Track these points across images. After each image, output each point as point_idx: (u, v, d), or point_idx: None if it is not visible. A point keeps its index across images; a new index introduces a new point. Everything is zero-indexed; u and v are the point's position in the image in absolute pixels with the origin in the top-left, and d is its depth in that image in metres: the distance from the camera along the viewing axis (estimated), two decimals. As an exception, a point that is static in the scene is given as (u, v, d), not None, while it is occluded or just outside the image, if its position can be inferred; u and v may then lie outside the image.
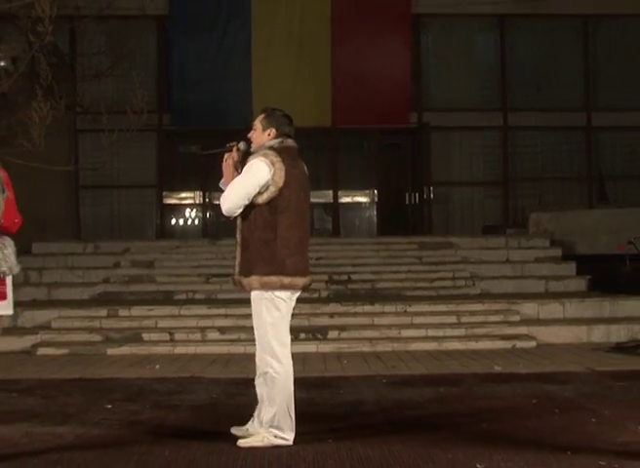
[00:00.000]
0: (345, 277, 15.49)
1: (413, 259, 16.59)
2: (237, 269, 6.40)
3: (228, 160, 6.53)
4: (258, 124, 6.63)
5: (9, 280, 6.06)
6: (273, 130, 6.57)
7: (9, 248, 6.03)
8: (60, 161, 15.59)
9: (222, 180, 6.53)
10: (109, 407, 8.04)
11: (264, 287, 6.31)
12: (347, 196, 22.30)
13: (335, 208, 21.79)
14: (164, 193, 21.35)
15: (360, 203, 22.82)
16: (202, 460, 5.87)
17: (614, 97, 21.43)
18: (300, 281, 6.54)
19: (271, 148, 6.41)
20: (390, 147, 22.71)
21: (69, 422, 7.31)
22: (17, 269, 6.09)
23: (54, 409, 7.93)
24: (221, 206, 6.30)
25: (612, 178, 21.88)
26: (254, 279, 6.29)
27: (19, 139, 12.25)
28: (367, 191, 22.57)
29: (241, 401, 7.85)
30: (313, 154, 22.74)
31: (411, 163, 22.14)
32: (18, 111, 13.15)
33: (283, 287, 6.40)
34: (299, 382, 8.89)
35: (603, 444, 6.16)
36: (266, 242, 6.27)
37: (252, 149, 6.54)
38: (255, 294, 6.36)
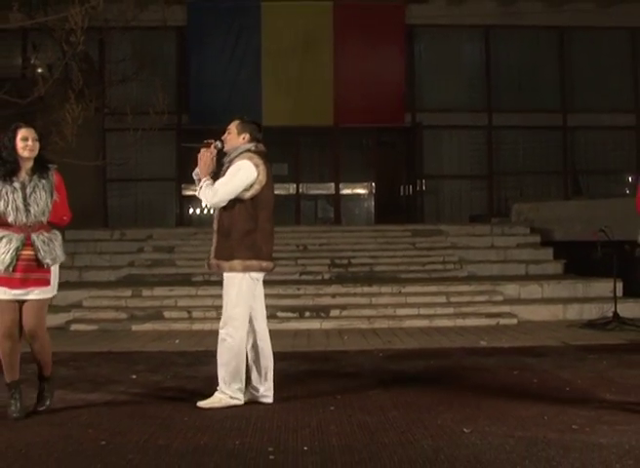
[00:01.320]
0: (346, 261, 15.50)
1: (407, 245, 16.59)
2: (213, 254, 6.66)
3: (206, 154, 6.72)
4: (233, 128, 6.88)
5: (54, 268, 6.25)
6: (247, 135, 6.84)
7: (55, 241, 6.25)
8: (90, 157, 15.58)
9: (196, 171, 6.74)
10: (134, 377, 8.07)
11: (246, 269, 6.59)
12: (348, 188, 22.27)
13: (336, 199, 21.78)
14: (182, 185, 21.31)
15: (359, 194, 22.78)
16: (217, 425, 5.90)
17: (587, 100, 21.41)
18: (271, 264, 6.79)
19: (250, 151, 6.69)
20: (387, 144, 22.65)
21: (99, 390, 7.34)
22: (61, 258, 6.32)
23: (85, 379, 7.97)
24: (209, 198, 6.56)
25: (585, 173, 21.90)
26: (237, 263, 6.58)
27: (53, 138, 12.26)
28: (365, 184, 22.54)
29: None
30: (317, 150, 22.76)
31: (405, 158, 22.09)
32: (52, 113, 13.16)
33: (261, 269, 6.68)
34: (304, 356, 8.96)
35: (576, 410, 6.19)
36: (248, 232, 6.56)
37: (225, 150, 6.81)
38: (232, 275, 6.62)
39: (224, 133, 6.89)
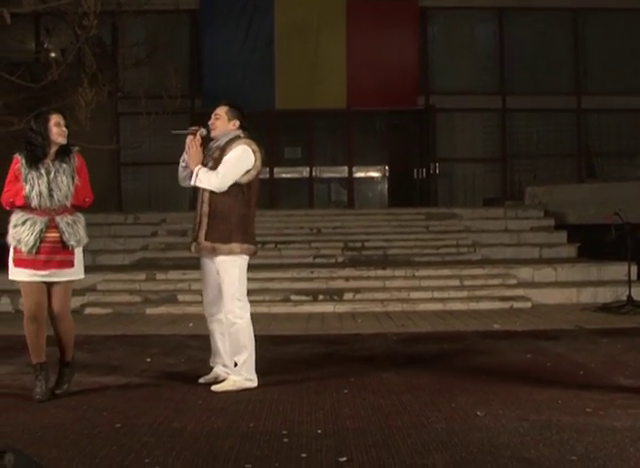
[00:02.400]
0: (359, 244, 15.49)
1: (420, 228, 16.57)
2: (204, 237, 6.70)
3: (194, 141, 6.81)
4: (223, 114, 6.88)
5: (78, 250, 6.37)
6: (237, 121, 6.87)
7: (79, 223, 6.38)
8: (104, 141, 15.60)
9: (184, 157, 6.90)
10: (149, 360, 8.10)
11: (244, 252, 6.71)
12: (361, 171, 22.22)
13: (349, 182, 21.74)
14: (196, 169, 21.32)
15: (373, 177, 22.73)
16: (231, 408, 5.92)
17: (601, 82, 21.26)
18: (256, 249, 6.98)
19: (244, 137, 6.78)
20: (400, 127, 22.58)
21: (113, 373, 7.38)
22: (85, 241, 6.43)
23: (100, 362, 8.01)
24: (215, 183, 6.65)
25: (599, 156, 21.79)
26: (235, 245, 6.68)
27: (67, 122, 12.25)
28: (379, 167, 22.48)
29: (265, 355, 7.88)
30: (330, 133, 22.73)
31: (418, 141, 22.04)
32: (66, 97, 13.16)
33: (254, 253, 6.86)
34: (318, 339, 8.97)
35: (590, 393, 6.19)
36: (244, 216, 6.71)
37: (213, 135, 6.88)
38: (231, 258, 6.67)
39: (211, 118, 6.93)
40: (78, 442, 5.07)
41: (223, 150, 6.69)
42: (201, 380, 6.83)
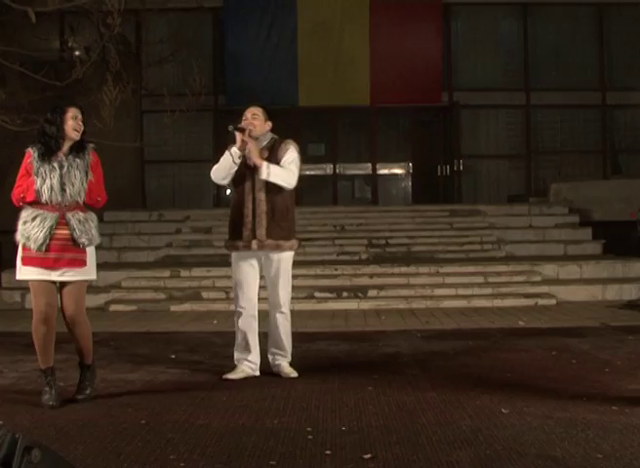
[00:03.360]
0: (383, 241, 15.48)
1: (444, 225, 16.54)
2: (267, 234, 6.83)
3: (250, 138, 6.83)
4: (260, 114, 7.00)
5: (90, 250, 6.11)
6: (270, 123, 7.05)
7: (90, 222, 6.09)
8: (128, 138, 15.70)
9: (237, 153, 6.80)
10: (173, 357, 8.13)
11: (297, 247, 7.11)
12: (385, 168, 22.18)
13: (373, 179, 21.72)
14: (220, 166, 21.37)
15: (396, 174, 22.69)
16: (255, 405, 5.93)
17: (626, 77, 21.12)
18: None
19: (285, 138, 7.05)
20: (424, 124, 22.55)
21: (138, 370, 7.41)
22: (97, 240, 6.18)
23: (124, 359, 8.04)
24: (292, 181, 6.88)
25: (624, 152, 21.65)
26: (294, 242, 7.03)
27: (91, 120, 12.32)
28: (403, 163, 22.43)
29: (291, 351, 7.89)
30: (354, 130, 22.71)
31: (442, 138, 21.97)
32: (90, 95, 13.22)
33: None
34: (342, 336, 8.97)
35: (615, 391, 6.15)
36: (293, 214, 7.09)
37: (254, 134, 6.88)
38: (288, 254, 7.00)
39: (245, 117, 6.97)
40: (103, 438, 5.09)
41: (273, 151, 6.87)
42: (230, 377, 6.88)
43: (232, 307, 11.76)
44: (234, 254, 7.02)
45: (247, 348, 7.02)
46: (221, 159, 6.90)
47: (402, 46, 20.22)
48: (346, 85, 20.21)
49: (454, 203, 19.36)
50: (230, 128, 6.88)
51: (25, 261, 5.95)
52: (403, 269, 13.39)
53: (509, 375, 6.87)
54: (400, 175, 22.67)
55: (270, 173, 6.75)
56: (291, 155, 6.88)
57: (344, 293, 12.41)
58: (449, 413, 5.57)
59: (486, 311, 11.36)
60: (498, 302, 11.96)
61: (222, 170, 6.91)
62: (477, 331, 9.67)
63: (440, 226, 16.46)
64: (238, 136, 6.82)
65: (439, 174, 21.98)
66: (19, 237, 5.97)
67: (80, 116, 6.10)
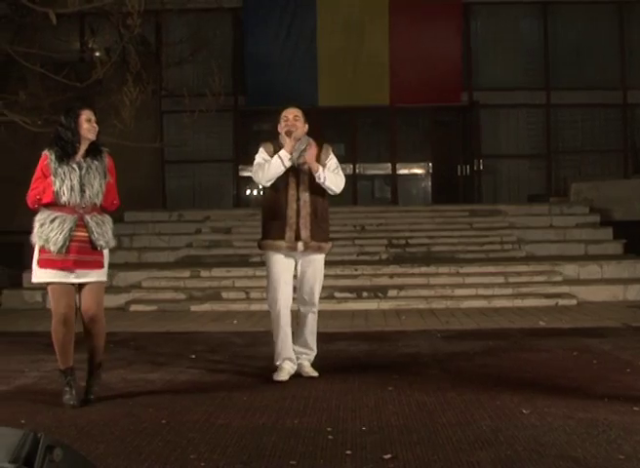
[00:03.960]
0: (403, 241, 15.46)
1: (464, 225, 16.51)
2: (311, 236, 6.83)
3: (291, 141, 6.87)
4: (301, 115, 7.06)
5: (106, 252, 6.16)
6: (307, 125, 7.11)
7: (107, 224, 6.14)
8: (148, 139, 15.72)
9: (291, 157, 6.78)
10: (193, 357, 8.15)
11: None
12: (405, 168, 22.15)
13: (393, 179, 21.69)
14: (240, 167, 21.37)
15: (416, 174, 22.66)
16: (276, 405, 5.93)
17: (647, 76, 21.04)
18: None
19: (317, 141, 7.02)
20: (443, 124, 22.50)
21: (158, 370, 7.43)
22: (112, 243, 6.20)
23: (145, 359, 8.07)
24: (341, 186, 7.01)
25: (645, 151, 21.57)
26: (331, 243, 7.09)
27: (111, 120, 12.39)
28: (422, 163, 22.41)
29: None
30: (373, 130, 22.70)
31: (462, 137, 21.92)
32: (110, 95, 13.30)
33: None
34: (362, 336, 8.96)
35: (637, 391, 6.12)
36: (329, 216, 7.15)
37: (297, 136, 6.90)
38: (323, 256, 7.02)
39: (284, 117, 6.98)
40: (124, 437, 5.11)
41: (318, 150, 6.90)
42: (281, 378, 6.81)
43: (252, 308, 11.87)
44: (272, 254, 6.93)
45: (287, 347, 6.97)
46: (269, 163, 6.79)
47: (422, 45, 20.17)
48: (366, 85, 20.18)
49: (474, 203, 19.32)
50: (288, 132, 6.86)
51: (43, 263, 5.96)
52: (423, 269, 13.37)
53: (530, 376, 6.85)
54: (420, 174, 22.64)
55: (326, 177, 6.81)
56: (334, 160, 6.96)
57: (364, 294, 12.41)
58: (469, 414, 5.56)
59: (506, 311, 11.33)
60: (518, 302, 11.92)
61: (273, 174, 6.78)
62: (497, 331, 9.65)
63: (460, 226, 16.43)
64: (290, 140, 6.81)
65: (459, 173, 21.95)
66: (35, 239, 5.96)
67: (94, 117, 6.13)
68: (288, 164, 6.76)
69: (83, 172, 6.00)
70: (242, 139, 21.32)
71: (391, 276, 13.16)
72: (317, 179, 6.78)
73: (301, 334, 7.13)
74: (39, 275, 6.01)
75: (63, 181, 5.93)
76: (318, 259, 6.98)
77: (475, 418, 5.43)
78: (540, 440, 4.87)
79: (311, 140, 6.91)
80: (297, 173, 6.83)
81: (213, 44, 19.58)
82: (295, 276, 7.07)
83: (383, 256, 14.87)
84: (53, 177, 5.94)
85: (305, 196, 6.82)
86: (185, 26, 20.00)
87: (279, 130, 7.01)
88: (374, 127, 22.59)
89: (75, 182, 5.94)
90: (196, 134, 19.65)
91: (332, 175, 6.87)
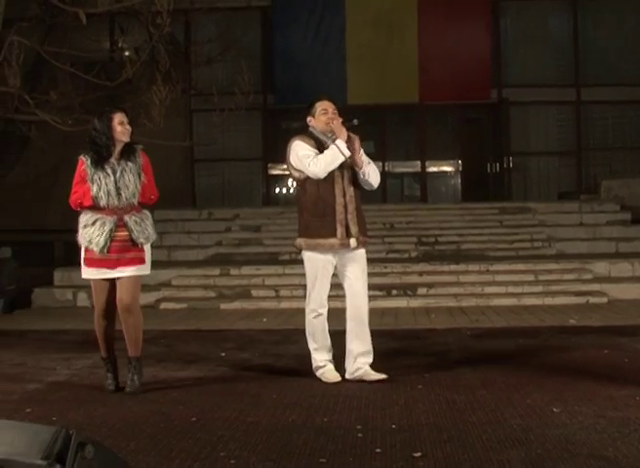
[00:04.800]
0: (433, 239, 15.42)
1: (494, 223, 16.43)
2: (359, 230, 6.64)
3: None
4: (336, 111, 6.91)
5: (147, 247, 6.41)
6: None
7: (146, 220, 6.41)
8: (178, 138, 15.79)
9: (343, 150, 6.53)
10: (223, 354, 8.17)
11: None
12: (434, 166, 22.11)
13: (422, 176, 21.64)
14: (269, 165, 21.43)
15: (446, 172, 22.62)
16: (305, 403, 5.94)
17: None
18: None
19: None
20: (473, 121, 22.44)
21: (189, 368, 7.46)
22: (153, 237, 6.48)
23: (175, 357, 8.11)
24: (378, 183, 6.88)
25: (678, 147, 21.36)
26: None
27: (141, 119, 12.44)
28: (452, 161, 22.36)
29: (339, 350, 7.90)
30: (403, 128, 22.67)
31: (491, 135, 21.85)
32: (140, 95, 13.36)
33: None
34: (391, 334, 8.95)
35: (670, 390, 6.08)
36: None
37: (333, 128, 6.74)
38: (364, 251, 6.82)
39: (322, 109, 6.88)
40: (155, 435, 5.14)
41: (349, 147, 6.66)
42: (334, 380, 6.62)
43: (282, 306, 11.88)
44: (319, 253, 6.63)
45: (328, 348, 6.78)
46: (326, 155, 6.52)
47: (451, 43, 20.10)
48: (395, 82, 20.14)
49: (503, 200, 19.23)
50: (355, 122, 6.74)
51: (88, 263, 6.32)
52: (452, 267, 13.33)
53: (560, 374, 6.81)
54: (449, 172, 22.60)
55: (370, 171, 6.69)
56: (366, 156, 6.76)
57: (394, 292, 12.39)
58: (499, 412, 5.54)
59: (536, 309, 11.27)
60: (548, 300, 11.86)
61: (335, 164, 6.52)
62: (527, 329, 9.60)
63: (490, 224, 16.36)
64: (341, 128, 6.60)
65: (488, 171, 21.89)
66: (81, 240, 6.30)
67: (126, 119, 6.32)
68: (347, 153, 6.50)
69: (118, 175, 6.24)
70: (271, 138, 21.37)
71: (421, 274, 13.13)
72: (361, 175, 6.65)
73: (359, 335, 6.81)
74: (86, 272, 6.40)
75: (100, 187, 6.19)
76: (363, 254, 6.76)
77: (505, 417, 5.41)
78: (570, 439, 4.85)
79: (351, 134, 6.74)
80: (340, 166, 6.57)
81: (242, 42, 19.62)
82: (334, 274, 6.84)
83: (413, 254, 14.83)
84: (90, 183, 6.21)
85: (351, 190, 6.62)
86: (214, 25, 20.06)
87: (311, 122, 6.86)
88: (403, 124, 22.57)
89: (111, 187, 6.19)
90: (225, 132, 19.66)
91: (372, 169, 6.73)
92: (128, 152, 6.33)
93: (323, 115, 6.78)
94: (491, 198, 20.25)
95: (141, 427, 5.34)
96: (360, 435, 5.05)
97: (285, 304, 11.96)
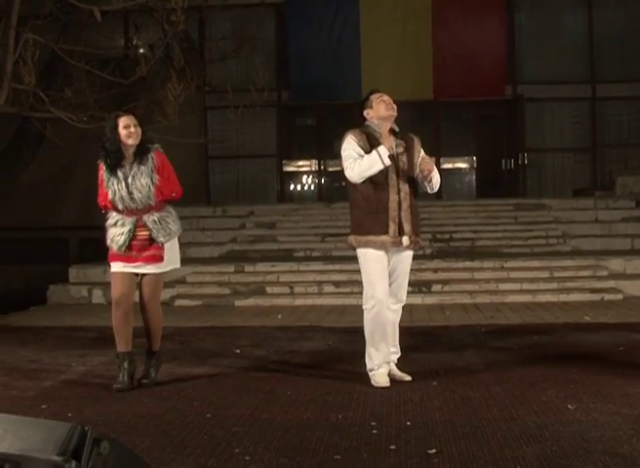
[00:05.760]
0: (448, 236, 15.39)
1: (509, 219, 16.40)
2: (413, 229, 6.47)
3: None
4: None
5: (170, 243, 6.51)
6: None
7: (167, 218, 6.52)
8: (192, 135, 15.80)
9: (386, 152, 6.36)
10: (238, 351, 8.18)
11: None
12: (449, 162, 22.05)
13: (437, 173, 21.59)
14: (283, 162, 21.44)
15: (460, 168, 22.55)
16: (320, 399, 5.95)
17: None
18: None
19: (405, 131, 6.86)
20: (487, 117, 22.38)
21: (203, 364, 7.48)
22: (177, 233, 6.61)
23: (190, 353, 8.13)
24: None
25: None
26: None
27: (156, 116, 12.47)
28: (466, 158, 22.30)
29: (355, 347, 7.90)
30: (417, 125, 22.61)
31: (506, 131, 21.79)
32: (154, 92, 13.37)
33: None
34: (406, 331, 8.92)
35: (685, 387, 6.06)
36: None
37: (395, 114, 6.79)
38: (412, 252, 6.66)
39: (379, 100, 6.74)
40: (170, 431, 5.15)
41: (407, 143, 6.73)
42: (384, 384, 6.35)
43: (296, 302, 11.88)
44: (372, 251, 6.42)
45: (387, 350, 6.55)
46: (366, 159, 6.32)
47: (465, 39, 20.04)
48: (409, 79, 20.09)
49: (518, 197, 19.17)
50: (397, 129, 6.67)
51: (111, 258, 6.49)
52: (467, 264, 13.31)
53: (575, 371, 6.79)
54: (464, 169, 22.54)
55: (437, 179, 6.69)
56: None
57: (408, 288, 12.36)
58: (514, 409, 5.54)
59: (551, 306, 11.24)
60: (563, 297, 11.83)
61: (372, 172, 6.32)
62: (542, 326, 9.58)
63: (504, 221, 16.32)
64: (390, 139, 6.52)
65: (503, 167, 21.83)
66: (107, 239, 6.49)
67: (133, 122, 6.34)
68: (388, 162, 6.31)
69: (130, 180, 6.34)
70: (285, 135, 21.39)
71: (435, 271, 13.11)
72: (424, 180, 6.57)
73: (392, 333, 6.75)
74: (113, 266, 6.50)
75: (115, 193, 6.35)
76: (410, 255, 6.62)
77: (520, 414, 5.41)
78: (585, 436, 4.84)
79: (411, 135, 6.80)
80: (395, 162, 6.43)
81: (256, 40, 19.60)
82: None
83: (427, 251, 14.79)
84: (106, 189, 6.39)
85: (406, 188, 6.45)
86: (229, 22, 20.05)
87: (368, 115, 6.71)
88: (417, 121, 22.49)
89: (124, 193, 6.33)
90: (240, 129, 19.74)
91: (437, 175, 6.67)
92: (141, 154, 6.38)
93: (381, 103, 6.65)
94: (505, 195, 20.18)
95: (156, 423, 5.35)
96: (375, 432, 5.05)
97: (299, 301, 11.97)
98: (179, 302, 12.24)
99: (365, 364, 6.50)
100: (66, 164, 18.77)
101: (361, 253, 6.51)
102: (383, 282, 6.47)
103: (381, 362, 6.47)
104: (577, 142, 21.28)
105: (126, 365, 6.39)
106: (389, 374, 6.48)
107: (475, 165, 22.08)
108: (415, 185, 6.62)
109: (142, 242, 6.38)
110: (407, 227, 6.40)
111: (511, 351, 7.94)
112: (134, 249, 6.36)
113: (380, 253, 6.43)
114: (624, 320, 9.87)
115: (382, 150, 6.31)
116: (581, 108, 21.21)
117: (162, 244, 6.41)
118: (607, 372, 6.69)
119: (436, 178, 6.66)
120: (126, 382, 6.35)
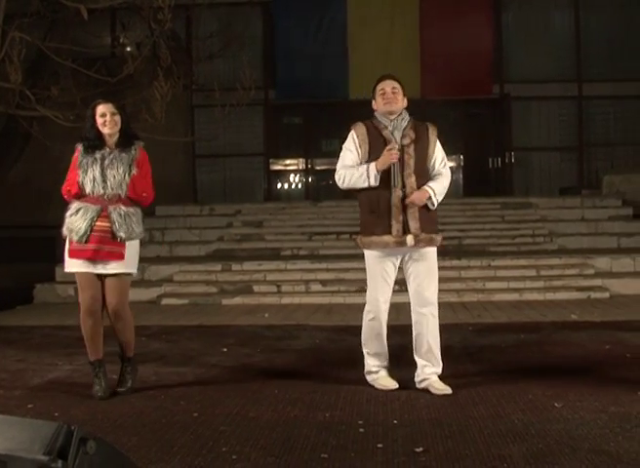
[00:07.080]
0: (434, 234, 15.38)
1: (496, 218, 16.43)
2: (421, 227, 6.07)
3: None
4: (400, 89, 6.55)
5: (131, 243, 6.14)
6: (406, 100, 6.54)
7: (132, 216, 6.14)
8: (179, 133, 15.79)
9: (376, 174, 6.03)
10: (225, 350, 8.18)
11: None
12: (436, 161, 22.06)
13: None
14: (270, 160, 21.43)
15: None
16: (307, 398, 5.95)
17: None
18: None
19: (419, 121, 6.57)
20: (475, 116, 22.41)
21: (190, 363, 7.47)
22: (137, 236, 6.20)
23: (176, 352, 8.11)
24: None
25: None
26: (441, 235, 6.38)
27: (142, 115, 12.44)
28: (453, 156, 22.27)
29: (342, 345, 7.91)
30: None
31: (493, 130, 21.83)
32: (142, 90, 13.34)
33: None
34: (394, 329, 8.92)
35: (671, 385, 6.08)
36: None
37: (392, 109, 6.43)
38: (434, 249, 6.31)
39: (380, 90, 6.51)
40: (156, 430, 5.14)
41: (418, 135, 6.37)
42: (391, 387, 6.21)
43: (283, 301, 11.89)
44: (376, 252, 6.18)
45: (383, 355, 6.47)
46: (354, 172, 6.10)
47: (452, 38, 20.05)
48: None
49: (505, 195, 19.22)
50: (397, 148, 6.10)
51: (71, 254, 6.09)
52: (454, 262, 13.33)
53: (562, 369, 6.82)
54: (451, 168, 22.46)
55: (438, 200, 6.25)
56: (441, 152, 6.46)
57: (396, 287, 12.35)
58: (501, 407, 5.55)
59: (538, 304, 11.27)
60: (550, 296, 11.86)
61: (356, 186, 6.14)
62: (529, 324, 9.60)
63: (491, 219, 16.36)
64: (386, 161, 6.03)
65: (490, 166, 21.88)
66: (64, 230, 6.12)
67: (110, 110, 6.16)
68: (374, 183, 6.00)
69: (106, 163, 6.09)
70: (273, 133, 21.38)
71: (422, 269, 13.11)
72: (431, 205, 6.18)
73: (424, 343, 6.37)
74: (69, 265, 6.15)
75: (86, 173, 6.06)
76: (431, 252, 6.23)
77: (507, 412, 5.42)
78: (572, 434, 4.85)
79: (428, 124, 6.49)
80: (400, 155, 6.09)
81: (243, 38, 19.58)
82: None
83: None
84: (78, 169, 6.10)
85: (411, 181, 6.02)
86: (216, 21, 20.03)
87: (374, 107, 6.51)
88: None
89: (97, 173, 6.05)
90: (227, 128, 19.71)
91: (441, 189, 6.25)
92: (124, 144, 6.20)
93: (381, 97, 6.45)
94: (492, 193, 20.22)
95: (143, 422, 5.35)
96: (361, 430, 5.05)
97: (286, 300, 11.97)
98: (165, 301, 12.22)
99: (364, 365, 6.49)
100: (53, 162, 18.67)
101: (365, 255, 6.29)
102: (384, 285, 6.34)
103: (379, 366, 6.40)
104: (563, 141, 21.34)
105: (102, 371, 6.17)
106: (431, 388, 6.11)
107: (462, 163, 22.10)
108: (427, 178, 6.22)
109: (103, 234, 5.99)
110: (413, 225, 6.02)
111: (498, 349, 7.96)
112: (91, 241, 5.97)
113: (385, 255, 6.17)
114: (611, 318, 9.90)
115: (372, 170, 6.02)
116: (568, 107, 21.27)
117: (121, 240, 6.05)
118: (593, 371, 6.72)
119: (437, 203, 6.30)
120: (107, 389, 6.11)
